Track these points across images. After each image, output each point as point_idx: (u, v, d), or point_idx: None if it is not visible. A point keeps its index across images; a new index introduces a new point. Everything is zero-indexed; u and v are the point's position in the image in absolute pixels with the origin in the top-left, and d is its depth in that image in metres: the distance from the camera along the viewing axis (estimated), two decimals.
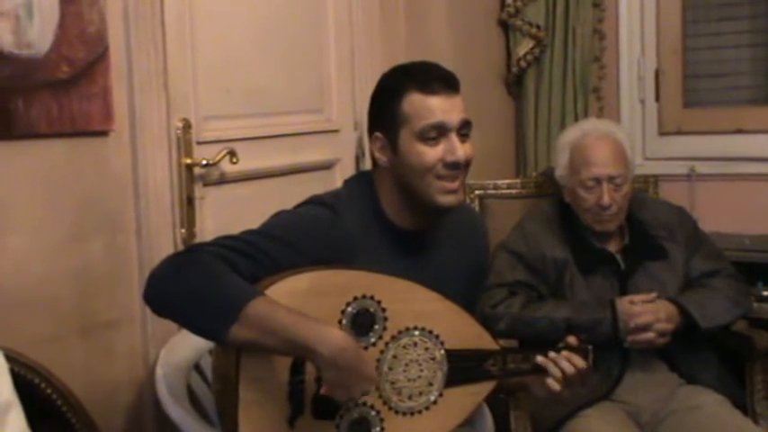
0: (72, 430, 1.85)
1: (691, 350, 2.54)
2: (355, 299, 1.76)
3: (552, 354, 1.92)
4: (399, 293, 1.81)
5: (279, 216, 1.87)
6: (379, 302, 1.78)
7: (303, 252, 1.78)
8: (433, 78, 1.86)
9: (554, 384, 1.91)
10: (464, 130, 1.85)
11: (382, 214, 1.91)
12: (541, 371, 1.92)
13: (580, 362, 1.92)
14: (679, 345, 2.50)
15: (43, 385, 1.83)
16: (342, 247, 1.83)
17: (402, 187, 1.88)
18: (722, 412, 2.42)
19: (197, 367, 2.16)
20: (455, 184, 1.84)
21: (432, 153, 1.83)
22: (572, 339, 1.97)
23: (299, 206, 1.92)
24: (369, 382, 1.69)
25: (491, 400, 2.14)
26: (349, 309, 1.75)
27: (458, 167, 1.84)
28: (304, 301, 1.70)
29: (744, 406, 2.53)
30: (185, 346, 2.12)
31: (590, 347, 1.96)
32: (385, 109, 1.87)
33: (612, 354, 2.45)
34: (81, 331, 2.13)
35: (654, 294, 2.47)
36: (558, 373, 1.90)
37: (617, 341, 2.45)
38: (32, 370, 1.83)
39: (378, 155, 1.90)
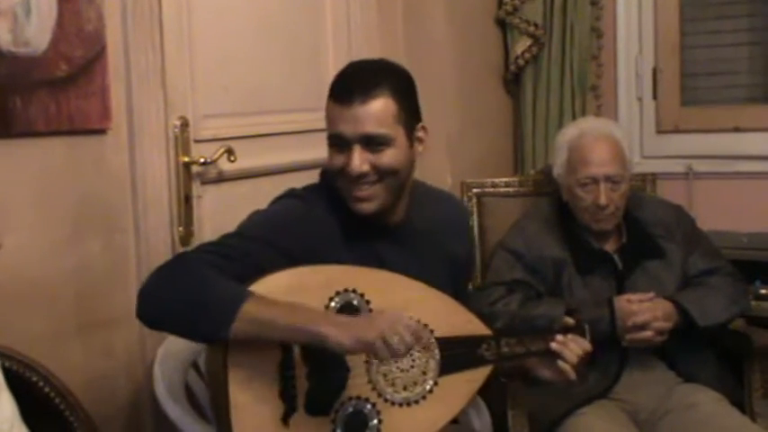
0: (70, 428, 1.85)
1: (689, 348, 2.54)
2: (338, 293, 1.76)
3: (560, 337, 1.93)
4: (381, 284, 1.81)
5: (254, 216, 1.89)
6: (362, 295, 1.78)
7: (280, 247, 1.79)
8: (341, 86, 1.85)
9: (569, 370, 1.91)
10: (369, 142, 1.81)
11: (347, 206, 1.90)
12: (546, 354, 1.93)
13: (587, 344, 1.94)
14: (677, 343, 2.50)
15: (41, 384, 1.83)
16: (316, 236, 1.84)
17: None
18: (720, 410, 2.42)
19: (195, 365, 2.16)
20: (363, 193, 1.83)
21: (337, 160, 1.84)
22: (568, 320, 1.98)
23: (275, 200, 1.94)
24: (398, 320, 1.66)
25: (489, 398, 2.13)
26: (332, 303, 1.76)
27: (354, 178, 1.82)
28: (286, 299, 1.71)
29: (741, 404, 2.54)
30: (183, 345, 2.12)
31: (586, 326, 1.97)
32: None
33: (610, 352, 2.45)
34: (79, 330, 2.13)
35: (651, 294, 2.48)
36: (573, 358, 1.91)
37: (615, 340, 2.45)
38: (31, 368, 1.82)
39: None
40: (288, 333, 1.67)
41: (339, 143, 1.84)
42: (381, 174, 1.82)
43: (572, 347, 1.92)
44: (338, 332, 1.64)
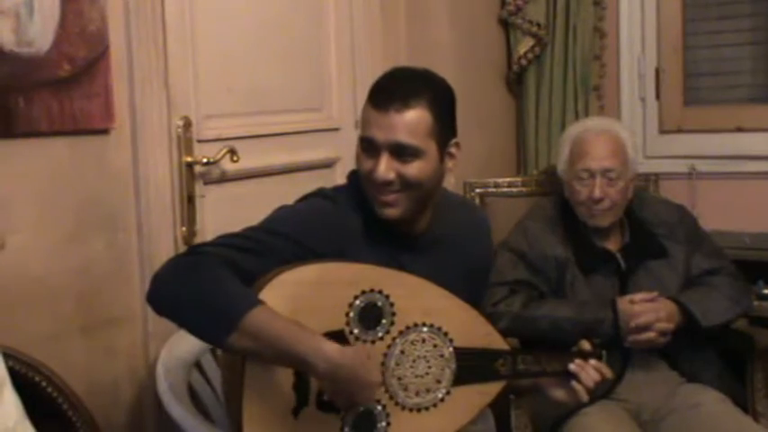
0: (73, 428, 1.85)
1: (691, 348, 2.54)
2: (363, 292, 1.76)
3: (579, 361, 1.94)
4: (408, 289, 1.81)
5: (281, 211, 1.88)
6: (387, 297, 1.78)
7: (307, 246, 1.79)
8: (381, 91, 1.83)
9: (582, 391, 1.92)
10: (398, 151, 1.80)
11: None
12: (561, 375, 1.93)
13: (606, 371, 1.95)
14: (680, 343, 2.50)
15: (44, 384, 1.83)
16: (344, 238, 1.84)
17: None
18: (723, 410, 2.42)
19: (198, 365, 2.17)
20: (388, 198, 1.82)
21: (366, 164, 1.83)
22: (585, 344, 1.98)
23: (303, 198, 1.93)
24: (370, 389, 1.69)
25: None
26: (357, 302, 1.76)
27: (378, 185, 1.81)
28: (311, 292, 1.72)
29: (744, 404, 2.54)
30: (186, 345, 2.12)
31: (603, 352, 1.97)
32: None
33: (613, 352, 2.44)
34: (82, 329, 2.14)
35: (654, 293, 2.48)
36: (589, 383, 1.91)
37: (618, 341, 2.45)
38: (34, 368, 1.83)
39: None
40: (282, 358, 1.67)
41: (369, 147, 1.82)
42: (406, 185, 1.81)
43: (590, 372, 1.93)
44: (329, 384, 1.67)
